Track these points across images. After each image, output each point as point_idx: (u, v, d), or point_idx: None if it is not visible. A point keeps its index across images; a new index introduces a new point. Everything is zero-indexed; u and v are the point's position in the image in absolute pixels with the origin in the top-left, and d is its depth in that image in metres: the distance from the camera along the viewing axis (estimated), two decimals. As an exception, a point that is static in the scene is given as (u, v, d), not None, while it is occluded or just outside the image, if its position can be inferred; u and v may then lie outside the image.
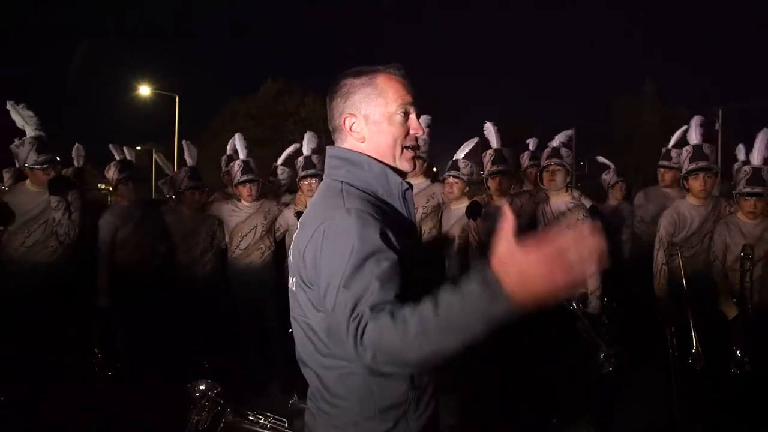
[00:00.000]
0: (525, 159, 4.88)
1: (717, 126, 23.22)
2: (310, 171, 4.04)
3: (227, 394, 3.19)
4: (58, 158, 3.71)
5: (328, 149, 1.45)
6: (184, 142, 4.61)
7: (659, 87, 30.13)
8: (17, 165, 3.83)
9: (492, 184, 3.80)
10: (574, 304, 3.44)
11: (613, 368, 3.27)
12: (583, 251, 0.95)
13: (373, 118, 1.37)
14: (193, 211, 4.21)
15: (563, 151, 3.69)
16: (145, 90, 24.63)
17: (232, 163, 4.29)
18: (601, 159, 5.02)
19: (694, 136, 3.67)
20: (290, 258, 1.40)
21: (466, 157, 4.17)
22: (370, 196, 1.34)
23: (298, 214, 3.97)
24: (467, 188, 4.15)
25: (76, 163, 4.73)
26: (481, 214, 3.73)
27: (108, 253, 4.06)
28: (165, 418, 3.13)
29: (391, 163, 1.40)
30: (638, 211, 4.61)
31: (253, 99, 32.38)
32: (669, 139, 4.65)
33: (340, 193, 1.32)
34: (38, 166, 3.55)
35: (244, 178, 4.08)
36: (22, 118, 3.53)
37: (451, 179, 4.18)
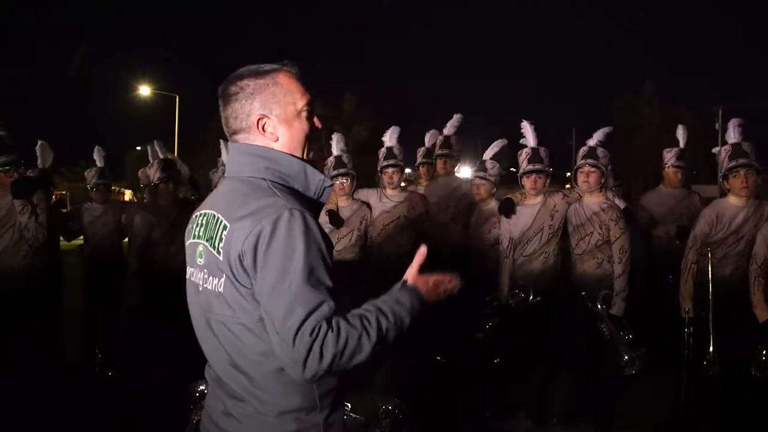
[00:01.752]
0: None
1: (717, 126, 23.22)
2: (342, 170, 4.01)
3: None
4: (22, 161, 3.59)
5: (240, 146, 1.40)
6: (154, 141, 4.52)
7: (659, 87, 30.18)
8: None
9: (527, 182, 3.76)
10: (599, 305, 3.42)
11: (636, 371, 3.24)
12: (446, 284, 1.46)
13: (284, 117, 1.38)
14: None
15: (600, 151, 3.60)
16: (145, 90, 24.66)
17: (213, 171, 4.28)
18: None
19: (733, 135, 3.51)
20: (216, 257, 1.30)
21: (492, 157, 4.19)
22: (294, 191, 1.35)
23: (330, 213, 3.91)
24: (495, 189, 4.16)
25: (98, 164, 4.67)
26: (515, 211, 3.73)
27: (142, 251, 4.07)
28: (165, 418, 3.13)
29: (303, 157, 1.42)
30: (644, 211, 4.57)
31: (253, 99, 32.33)
32: (670, 139, 4.65)
33: (272, 190, 1.31)
34: None
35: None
36: None
37: (478, 180, 4.16)
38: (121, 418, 3.31)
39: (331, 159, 4.17)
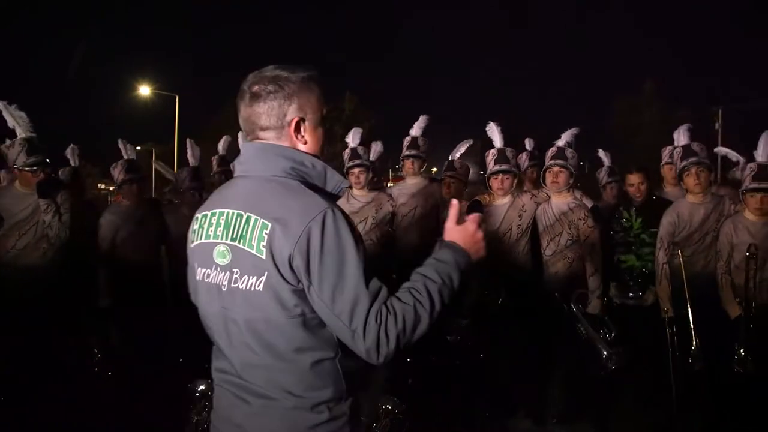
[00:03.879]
0: (524, 160, 4.87)
1: (717, 126, 23.23)
2: (357, 161, 4.03)
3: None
4: (48, 160, 3.63)
5: (264, 145, 1.39)
6: (187, 140, 4.55)
7: (659, 87, 30.15)
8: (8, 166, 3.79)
9: (494, 183, 3.78)
10: (573, 306, 3.44)
11: (615, 367, 3.27)
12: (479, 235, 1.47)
13: (314, 122, 1.41)
14: (193, 212, 4.20)
15: (568, 152, 3.66)
16: (145, 90, 24.65)
17: (233, 164, 4.26)
18: (600, 153, 4.97)
19: (682, 138, 3.77)
20: (257, 256, 1.29)
21: (462, 157, 4.16)
22: (320, 190, 1.38)
23: None
24: (465, 188, 4.14)
25: (72, 163, 4.63)
26: (483, 212, 3.73)
27: (108, 253, 4.05)
28: (165, 418, 3.13)
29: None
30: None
31: (253, 99, 32.33)
32: (670, 139, 4.65)
33: (303, 188, 1.33)
34: (27, 168, 3.49)
35: None
36: (13, 118, 3.47)
37: (447, 179, 4.16)
38: (121, 418, 3.31)
39: (347, 150, 4.17)
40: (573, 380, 3.57)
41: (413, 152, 4.19)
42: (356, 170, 4.04)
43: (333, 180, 1.41)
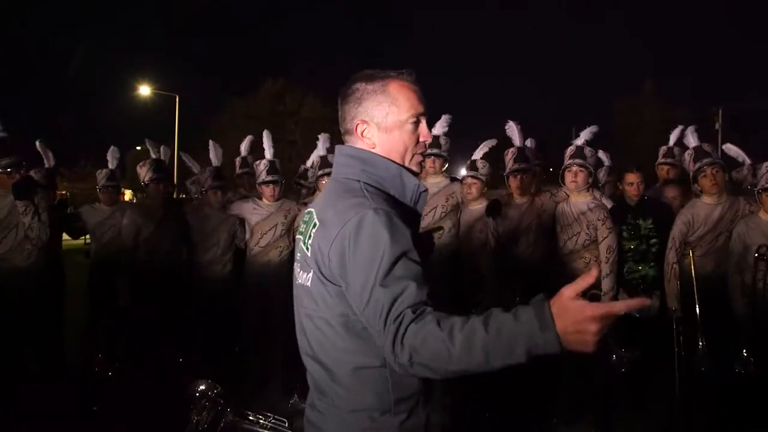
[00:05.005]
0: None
1: (717, 126, 23.20)
2: (327, 170, 4.05)
3: (227, 394, 3.20)
4: (23, 162, 3.61)
5: (341, 147, 1.45)
6: (210, 142, 4.56)
7: (659, 87, 30.16)
8: None
9: (513, 182, 3.77)
10: None
11: (625, 370, 3.25)
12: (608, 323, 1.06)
13: (384, 126, 1.39)
14: (214, 211, 4.22)
15: (587, 150, 3.64)
16: (145, 90, 24.63)
17: (257, 162, 4.27)
18: (600, 154, 4.95)
19: (692, 140, 3.70)
20: (306, 253, 1.36)
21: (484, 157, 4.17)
22: (387, 196, 1.35)
23: None
24: (485, 188, 4.15)
25: (46, 164, 4.52)
26: (501, 212, 3.71)
27: (130, 253, 4.08)
28: (165, 418, 3.13)
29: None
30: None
31: (253, 99, 32.34)
32: (668, 140, 4.65)
33: (362, 191, 1.32)
34: (0, 170, 3.46)
35: (269, 178, 4.09)
36: None
37: (469, 179, 4.14)
38: (121, 418, 3.31)
39: (317, 158, 4.20)
40: (573, 380, 3.57)
41: (435, 151, 4.19)
42: (326, 178, 4.06)
43: (410, 184, 1.39)
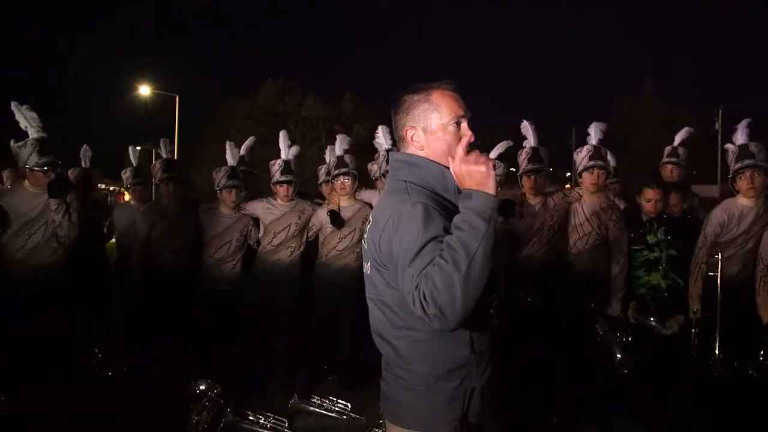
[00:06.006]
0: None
1: (717, 126, 23.18)
2: (343, 170, 4.03)
3: (227, 394, 3.20)
4: (59, 161, 3.70)
5: (393, 154, 1.70)
6: (227, 142, 4.51)
7: (659, 87, 30.20)
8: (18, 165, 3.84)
9: (527, 182, 3.75)
10: (593, 305, 3.41)
11: (626, 372, 3.23)
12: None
13: (430, 129, 1.61)
14: (229, 210, 4.23)
15: (603, 150, 3.61)
16: (145, 90, 24.62)
17: (272, 162, 4.26)
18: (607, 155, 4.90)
19: (740, 136, 3.48)
20: (364, 246, 1.65)
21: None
22: (430, 192, 1.56)
23: (331, 213, 3.99)
24: (499, 188, 4.13)
25: (83, 164, 4.78)
26: (514, 211, 3.68)
27: (144, 248, 4.13)
28: (165, 418, 3.14)
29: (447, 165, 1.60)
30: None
31: (253, 99, 32.35)
32: (670, 139, 4.64)
33: (405, 190, 1.55)
34: (38, 168, 3.53)
35: (284, 178, 4.08)
36: (25, 119, 3.51)
37: None
38: (121, 418, 3.31)
39: (333, 159, 4.16)
40: (573, 380, 3.56)
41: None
42: (342, 178, 4.05)
43: (451, 179, 1.57)
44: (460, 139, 1.59)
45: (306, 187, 4.37)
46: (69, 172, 4.47)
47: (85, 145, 4.80)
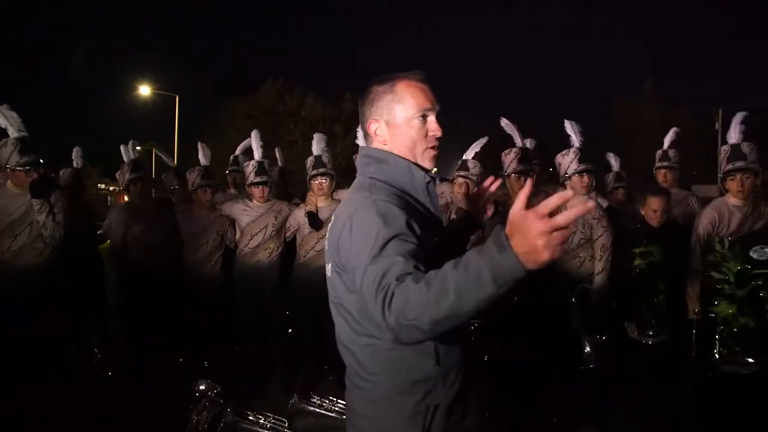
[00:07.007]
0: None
1: (717, 126, 23.17)
2: (321, 170, 4.02)
3: (227, 394, 3.20)
4: (41, 161, 3.66)
5: (361, 148, 1.59)
6: (199, 143, 4.58)
7: (659, 87, 30.17)
8: None
9: (517, 183, 3.75)
10: (573, 298, 3.42)
11: (592, 367, 3.24)
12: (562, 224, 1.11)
13: (393, 123, 1.49)
14: (204, 211, 4.22)
15: (586, 154, 3.64)
16: (145, 90, 24.61)
17: (246, 163, 4.27)
18: (609, 157, 4.79)
19: (733, 135, 3.47)
20: (326, 247, 1.54)
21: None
22: (396, 189, 1.46)
23: (309, 214, 3.97)
24: (476, 189, 4.12)
25: (75, 164, 4.72)
26: (499, 213, 3.68)
27: (119, 251, 4.10)
28: (165, 418, 3.13)
29: (413, 161, 1.51)
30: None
31: (253, 99, 32.33)
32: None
33: (369, 187, 1.46)
34: (20, 168, 3.49)
35: (258, 179, 4.06)
36: (5, 118, 3.48)
37: (460, 179, 4.09)
38: (121, 418, 3.31)
39: (310, 159, 4.16)
40: (573, 380, 3.56)
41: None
42: (319, 179, 4.03)
43: (418, 176, 1.49)
44: (425, 134, 1.49)
45: (306, 187, 4.37)
46: (60, 173, 4.41)
47: (77, 147, 4.70)
